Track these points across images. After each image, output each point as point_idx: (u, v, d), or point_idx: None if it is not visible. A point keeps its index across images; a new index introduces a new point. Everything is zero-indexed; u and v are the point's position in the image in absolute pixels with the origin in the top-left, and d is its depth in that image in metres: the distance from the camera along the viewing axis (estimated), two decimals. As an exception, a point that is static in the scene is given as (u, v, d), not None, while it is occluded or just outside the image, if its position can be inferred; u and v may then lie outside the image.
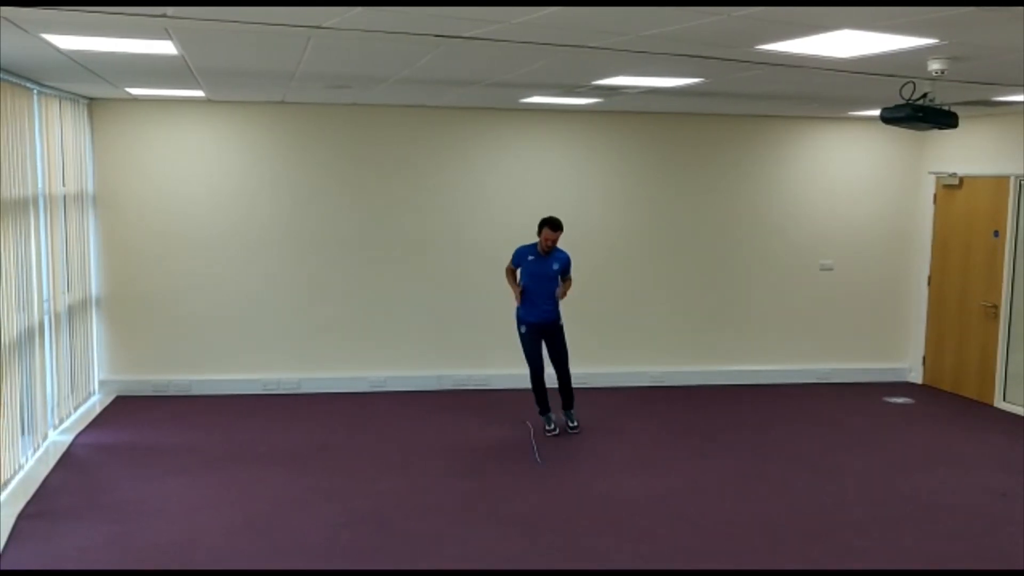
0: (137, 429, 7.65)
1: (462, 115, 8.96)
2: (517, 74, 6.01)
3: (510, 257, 7.60)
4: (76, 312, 7.92)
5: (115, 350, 8.69)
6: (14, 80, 6.32)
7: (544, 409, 7.56)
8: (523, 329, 7.46)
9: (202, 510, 5.84)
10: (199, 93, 7.71)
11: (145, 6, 3.78)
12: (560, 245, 7.45)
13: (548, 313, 7.43)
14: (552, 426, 7.53)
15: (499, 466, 6.84)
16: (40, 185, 7.04)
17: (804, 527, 5.71)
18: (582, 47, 4.65)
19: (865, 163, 9.72)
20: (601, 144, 9.29)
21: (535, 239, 7.42)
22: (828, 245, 9.75)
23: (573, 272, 7.61)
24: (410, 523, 5.66)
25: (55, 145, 7.39)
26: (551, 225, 7.30)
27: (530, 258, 7.40)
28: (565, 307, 7.78)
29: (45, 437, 7.10)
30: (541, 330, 7.44)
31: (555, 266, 7.41)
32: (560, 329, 7.51)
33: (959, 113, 5.75)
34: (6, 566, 4.97)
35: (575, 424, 7.60)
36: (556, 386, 7.64)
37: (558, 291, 7.38)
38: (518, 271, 7.53)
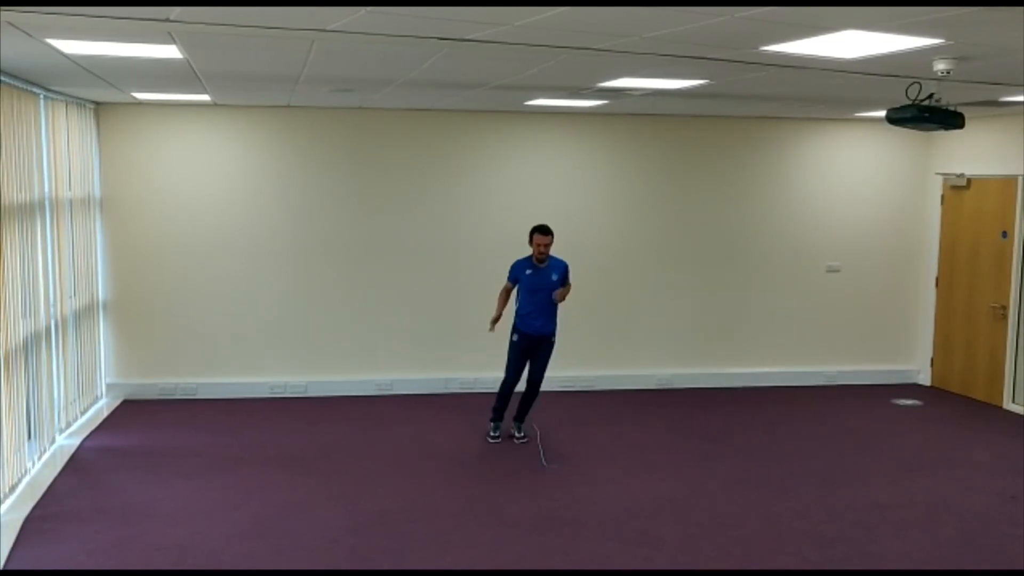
0: (144, 433, 7.67)
1: (467, 118, 8.96)
2: (522, 76, 6.00)
3: (506, 273, 7.46)
4: (82, 316, 7.93)
5: (122, 354, 8.70)
6: (20, 85, 6.34)
7: (497, 416, 7.57)
8: (515, 337, 7.40)
9: (208, 513, 5.85)
10: (205, 97, 7.73)
11: (149, 6, 3.78)
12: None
13: (544, 327, 7.36)
14: (497, 434, 7.53)
15: (505, 469, 6.84)
16: (46, 189, 7.06)
17: (812, 529, 5.69)
18: (586, 49, 4.65)
19: (871, 164, 9.69)
20: (607, 146, 9.28)
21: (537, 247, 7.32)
22: (835, 247, 9.71)
23: (575, 276, 7.56)
24: (416, 526, 5.66)
25: (61, 149, 7.40)
26: (541, 231, 7.25)
27: (528, 272, 7.32)
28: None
29: (52, 441, 7.11)
30: (532, 343, 7.37)
31: (554, 276, 7.32)
32: (551, 346, 7.44)
33: (965, 113, 5.73)
34: (13, 567, 4.98)
35: (522, 435, 7.54)
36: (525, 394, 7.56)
37: (556, 293, 7.26)
38: (515, 290, 7.43)
